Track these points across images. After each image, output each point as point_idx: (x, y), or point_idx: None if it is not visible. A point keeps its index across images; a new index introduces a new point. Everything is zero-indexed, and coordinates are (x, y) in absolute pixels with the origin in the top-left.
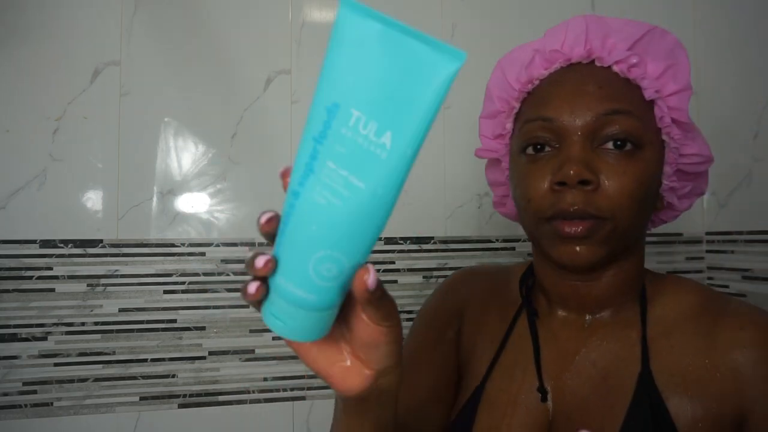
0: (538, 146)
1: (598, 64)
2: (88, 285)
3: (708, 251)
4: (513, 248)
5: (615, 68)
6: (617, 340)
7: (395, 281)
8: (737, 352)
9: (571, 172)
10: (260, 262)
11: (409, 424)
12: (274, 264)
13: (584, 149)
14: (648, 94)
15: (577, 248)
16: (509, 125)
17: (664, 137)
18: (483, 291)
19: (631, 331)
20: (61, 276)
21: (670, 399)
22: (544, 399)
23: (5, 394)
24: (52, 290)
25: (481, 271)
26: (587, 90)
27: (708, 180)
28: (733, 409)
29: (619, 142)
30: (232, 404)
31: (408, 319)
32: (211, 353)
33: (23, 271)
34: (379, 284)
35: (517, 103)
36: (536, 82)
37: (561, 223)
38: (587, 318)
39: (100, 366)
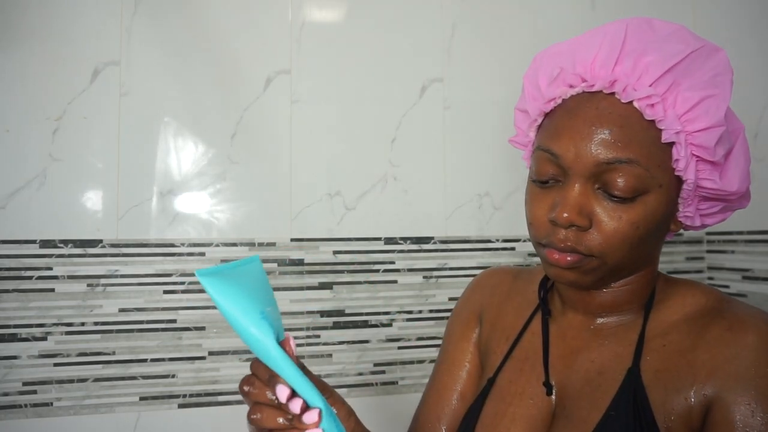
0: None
1: (617, 97)
2: (88, 285)
3: (708, 251)
4: (513, 248)
5: (635, 104)
6: (618, 340)
7: (395, 281)
8: (717, 350)
9: (565, 215)
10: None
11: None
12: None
13: (583, 192)
14: (666, 136)
15: (564, 272)
16: (532, 134)
17: (680, 175)
18: (501, 292)
19: (633, 332)
20: (61, 276)
21: (652, 393)
22: (549, 393)
23: (5, 394)
24: (52, 290)
25: (503, 272)
26: (596, 132)
27: (750, 196)
28: (700, 400)
29: (616, 194)
30: (232, 404)
31: (408, 320)
32: (211, 353)
33: (23, 271)
34: None
35: (540, 118)
36: (558, 101)
37: (550, 251)
38: (596, 321)
39: (100, 366)
